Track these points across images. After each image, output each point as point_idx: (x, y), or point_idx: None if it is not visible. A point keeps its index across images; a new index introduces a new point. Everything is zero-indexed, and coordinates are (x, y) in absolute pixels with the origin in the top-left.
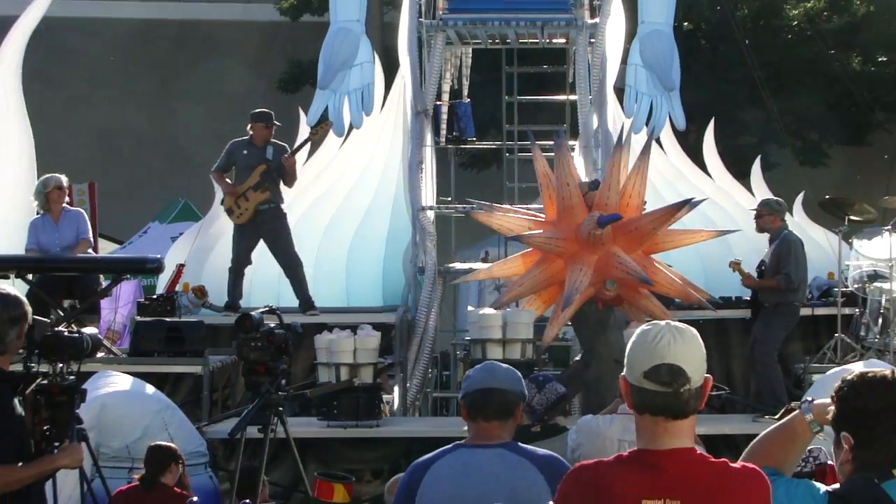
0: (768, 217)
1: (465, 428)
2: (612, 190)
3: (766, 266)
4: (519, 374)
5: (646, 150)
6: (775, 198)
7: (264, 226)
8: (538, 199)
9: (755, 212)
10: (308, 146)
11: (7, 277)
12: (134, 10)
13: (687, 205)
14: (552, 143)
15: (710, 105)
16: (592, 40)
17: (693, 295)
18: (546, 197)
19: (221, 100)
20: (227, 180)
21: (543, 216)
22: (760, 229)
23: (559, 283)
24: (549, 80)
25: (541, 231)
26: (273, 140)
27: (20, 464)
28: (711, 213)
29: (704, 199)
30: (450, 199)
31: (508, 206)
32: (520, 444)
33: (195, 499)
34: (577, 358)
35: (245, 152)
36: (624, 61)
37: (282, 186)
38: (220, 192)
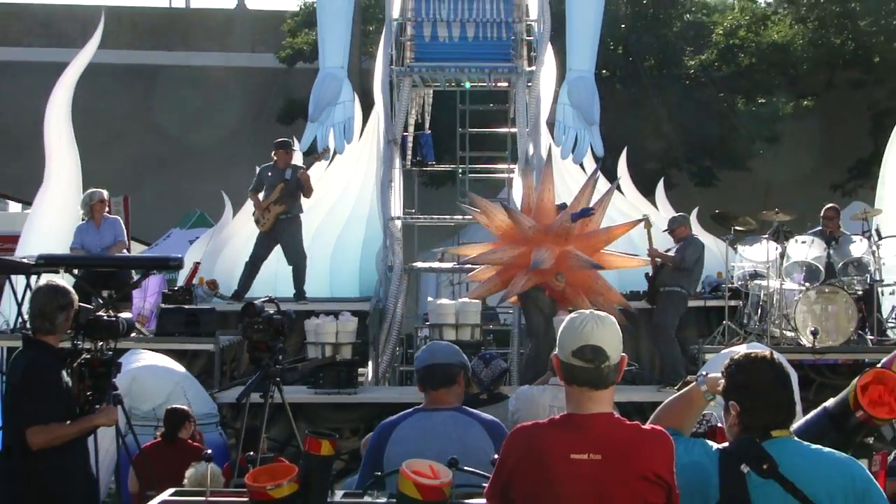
0: (679, 228)
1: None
2: (581, 205)
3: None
4: (457, 348)
5: (609, 192)
6: (680, 213)
7: (282, 231)
8: None
9: (669, 229)
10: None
11: (57, 272)
12: (162, 58)
13: (640, 222)
14: (499, 165)
15: (623, 137)
16: (529, 84)
17: (622, 301)
18: (526, 206)
19: (231, 130)
20: (259, 198)
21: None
22: (677, 239)
23: (520, 266)
24: (494, 115)
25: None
26: (292, 163)
27: (67, 422)
28: None
29: (646, 217)
30: (413, 210)
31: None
32: (468, 408)
33: (209, 451)
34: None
35: (270, 174)
36: (555, 101)
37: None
38: (230, 206)
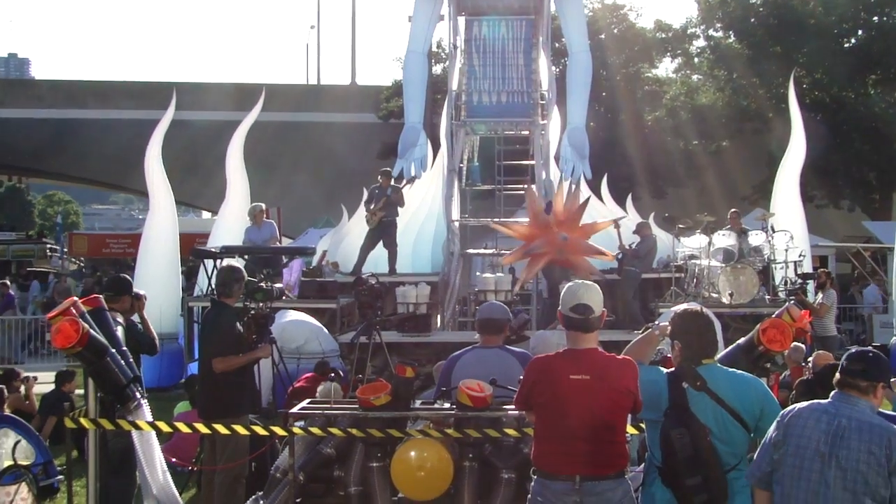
0: (642, 230)
1: (477, 336)
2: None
3: (634, 247)
4: (506, 307)
5: (587, 200)
6: (643, 220)
7: (383, 230)
8: (516, 213)
9: (637, 229)
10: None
11: (234, 257)
12: (301, 117)
13: (614, 223)
14: (522, 185)
15: (605, 166)
16: (543, 132)
17: (595, 269)
18: (531, 212)
19: (346, 163)
20: (370, 207)
21: (528, 223)
22: (640, 237)
23: (545, 253)
24: (520, 153)
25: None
26: (391, 184)
27: (239, 355)
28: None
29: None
30: (466, 215)
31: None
32: (508, 346)
33: (332, 374)
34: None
35: (377, 191)
36: (559, 142)
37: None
38: (346, 213)
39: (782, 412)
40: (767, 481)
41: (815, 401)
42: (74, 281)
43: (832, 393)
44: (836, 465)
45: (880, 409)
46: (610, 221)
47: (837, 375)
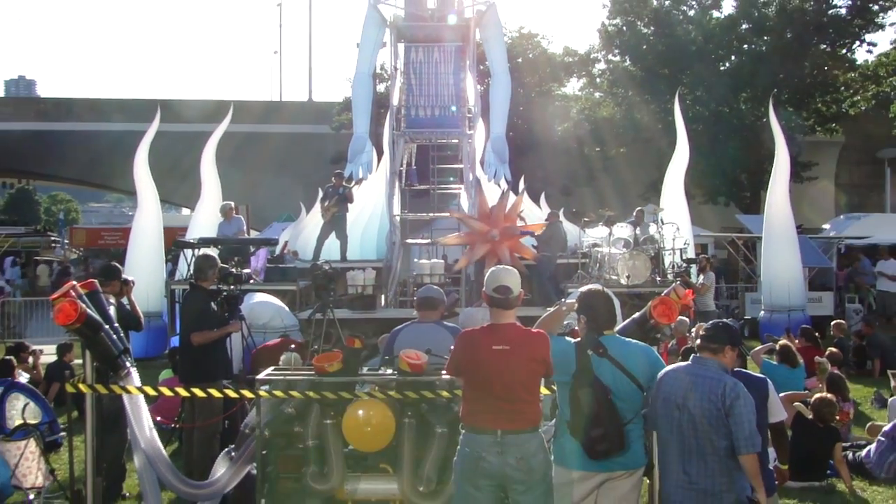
0: (551, 217)
1: (415, 313)
2: (502, 208)
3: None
4: (441, 290)
5: (520, 197)
6: (552, 211)
7: (335, 223)
8: (447, 208)
9: (547, 217)
10: (353, 188)
11: (208, 247)
12: (265, 128)
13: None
14: (453, 185)
15: (522, 169)
16: (470, 140)
17: (532, 252)
18: (483, 213)
19: (305, 167)
20: (325, 204)
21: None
22: (548, 223)
23: (490, 254)
24: (450, 157)
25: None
26: (343, 185)
27: (214, 330)
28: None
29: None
30: (406, 210)
31: (465, 215)
32: (441, 321)
33: (293, 346)
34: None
35: (331, 190)
36: (483, 149)
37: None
38: (304, 209)
39: (659, 373)
40: (654, 426)
41: (678, 363)
42: (47, 268)
43: (691, 356)
44: (687, 412)
45: (749, 371)
46: (541, 224)
47: (697, 342)
